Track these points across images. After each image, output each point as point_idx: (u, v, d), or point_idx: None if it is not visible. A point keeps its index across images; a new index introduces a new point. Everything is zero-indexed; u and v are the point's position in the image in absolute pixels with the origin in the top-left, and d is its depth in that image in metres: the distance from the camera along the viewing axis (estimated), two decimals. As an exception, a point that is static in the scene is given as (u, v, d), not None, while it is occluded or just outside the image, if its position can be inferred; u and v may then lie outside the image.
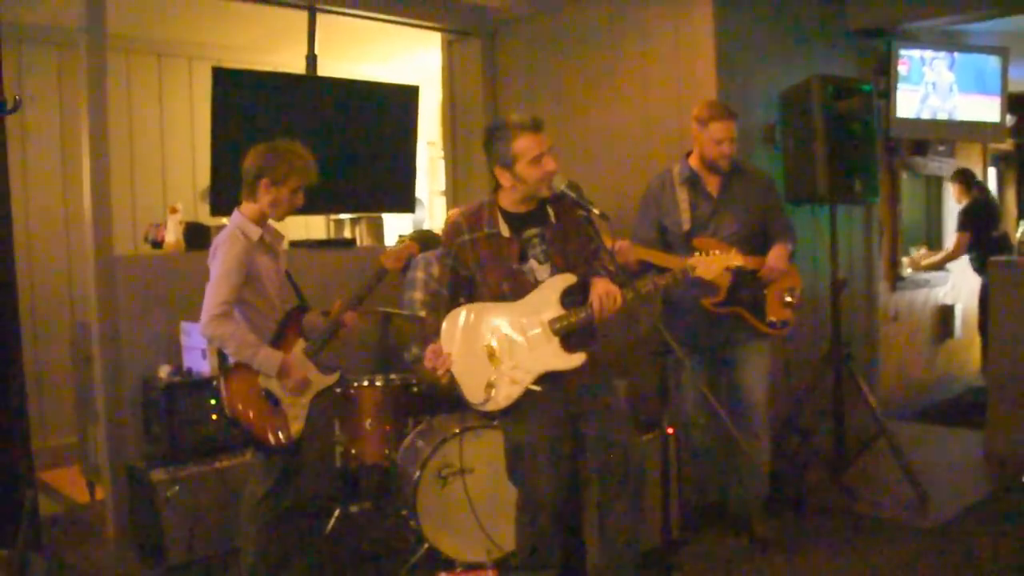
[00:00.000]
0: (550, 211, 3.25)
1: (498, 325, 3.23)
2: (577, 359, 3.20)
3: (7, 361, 1.87)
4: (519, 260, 3.24)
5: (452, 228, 3.33)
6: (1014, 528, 4.29)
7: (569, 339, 3.22)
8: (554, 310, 3.20)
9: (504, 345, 3.22)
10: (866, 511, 4.56)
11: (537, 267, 3.25)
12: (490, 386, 3.19)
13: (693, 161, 4.17)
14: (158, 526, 4.07)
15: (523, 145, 3.11)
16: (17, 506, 1.88)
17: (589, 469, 3.33)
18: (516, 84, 6.09)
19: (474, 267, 3.27)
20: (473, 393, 3.23)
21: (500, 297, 3.24)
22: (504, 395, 3.20)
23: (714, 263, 3.39)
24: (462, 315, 3.27)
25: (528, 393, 3.20)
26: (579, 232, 3.26)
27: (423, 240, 4.36)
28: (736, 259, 3.42)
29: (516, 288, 3.22)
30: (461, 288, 3.32)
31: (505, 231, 3.24)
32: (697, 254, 3.43)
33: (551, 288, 3.21)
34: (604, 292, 3.15)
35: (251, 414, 3.34)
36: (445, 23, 6.06)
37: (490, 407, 3.23)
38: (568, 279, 3.22)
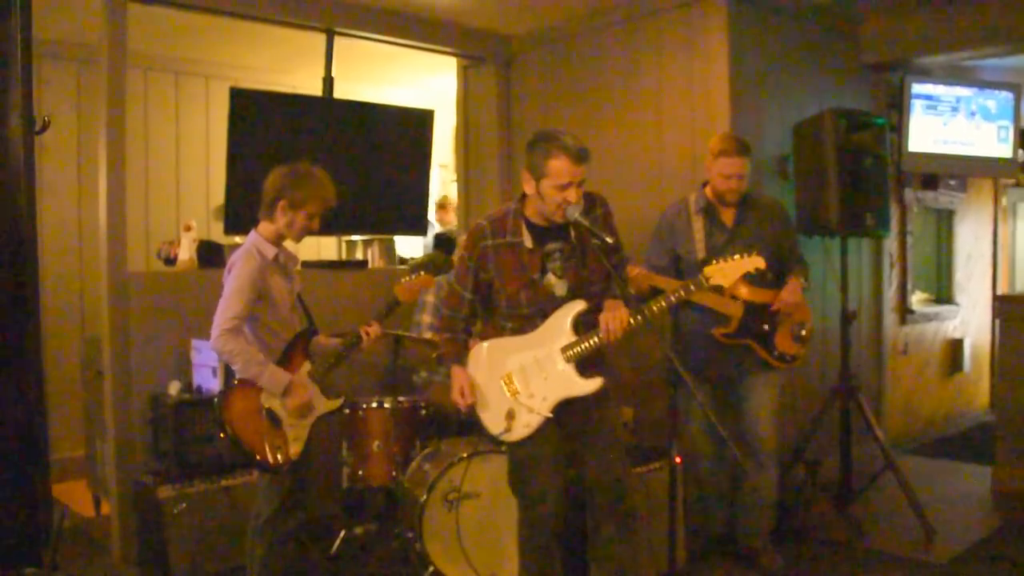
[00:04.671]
0: (571, 229, 3.26)
1: (515, 357, 3.27)
2: (594, 384, 3.22)
3: (29, 379, 1.89)
4: (539, 272, 3.25)
5: (476, 232, 3.34)
6: (1021, 565, 4.27)
7: (584, 364, 3.24)
8: (567, 337, 3.22)
9: (521, 376, 3.25)
10: (872, 545, 4.54)
11: (555, 281, 3.26)
12: (510, 417, 3.22)
13: (709, 191, 4.20)
14: (164, 543, 4.07)
15: (557, 167, 3.10)
16: (35, 524, 1.89)
17: (585, 491, 3.36)
18: (530, 111, 6.13)
19: (494, 273, 3.29)
20: (493, 424, 3.28)
21: (517, 305, 3.26)
22: (523, 424, 3.23)
23: (731, 269, 3.20)
24: (480, 349, 3.33)
25: (544, 421, 3.23)
26: (596, 254, 3.27)
27: (433, 264, 4.38)
28: (758, 262, 3.19)
29: (533, 298, 3.24)
30: (480, 292, 3.35)
31: (528, 242, 3.25)
32: (714, 261, 3.27)
33: (564, 315, 3.22)
34: (611, 316, 3.16)
35: (251, 432, 3.33)
36: (461, 49, 6.12)
37: (509, 437, 3.26)
38: (579, 305, 3.22)
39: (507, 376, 3.26)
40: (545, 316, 3.25)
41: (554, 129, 3.17)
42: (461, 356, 3.39)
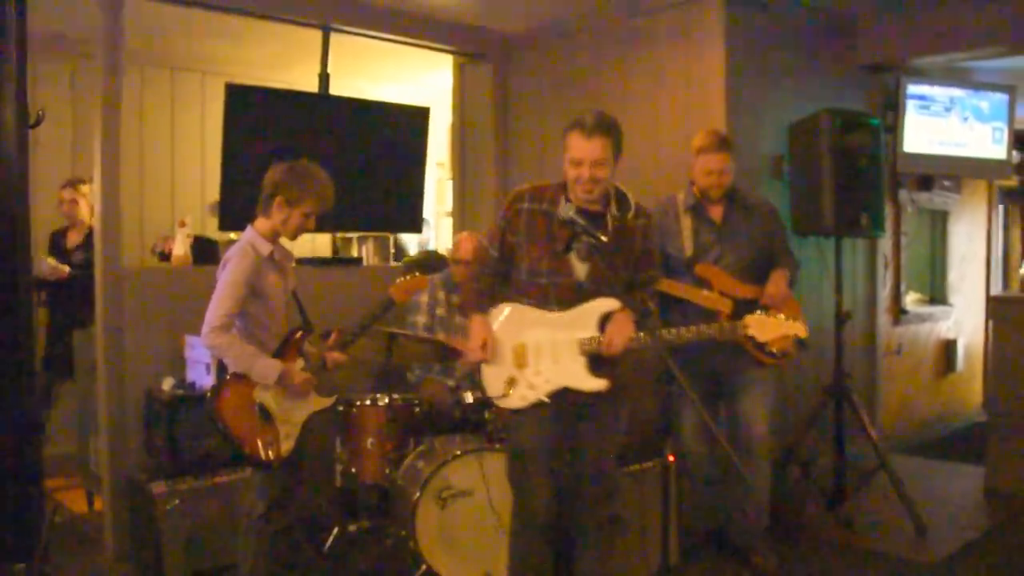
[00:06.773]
0: (608, 221, 3.25)
1: (534, 330, 3.28)
2: (599, 384, 3.23)
3: (22, 374, 1.88)
4: (565, 247, 3.25)
5: (515, 195, 3.36)
6: (1013, 564, 4.28)
7: (598, 362, 3.24)
8: (591, 331, 3.23)
9: (534, 350, 3.27)
10: (865, 544, 4.55)
11: (575, 262, 3.26)
12: (510, 384, 3.26)
13: (696, 189, 4.20)
14: (157, 539, 4.06)
15: (570, 141, 3.16)
16: (27, 519, 1.89)
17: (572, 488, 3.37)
18: (526, 108, 6.13)
19: (521, 235, 3.30)
20: (493, 386, 3.32)
21: (537, 273, 3.27)
22: (519, 397, 3.26)
23: (773, 325, 3.20)
24: (503, 309, 3.35)
25: (539, 401, 3.25)
26: (628, 258, 3.30)
27: (428, 262, 4.38)
28: (801, 330, 3.19)
29: (554, 269, 3.24)
30: (506, 252, 3.36)
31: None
32: (759, 312, 3.30)
33: (595, 308, 3.23)
34: (617, 331, 3.18)
35: (242, 428, 3.33)
36: (457, 46, 6.10)
37: (504, 404, 3.30)
38: (613, 304, 3.23)
39: (521, 346, 3.28)
40: (559, 291, 3.25)
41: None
42: (486, 306, 3.38)
